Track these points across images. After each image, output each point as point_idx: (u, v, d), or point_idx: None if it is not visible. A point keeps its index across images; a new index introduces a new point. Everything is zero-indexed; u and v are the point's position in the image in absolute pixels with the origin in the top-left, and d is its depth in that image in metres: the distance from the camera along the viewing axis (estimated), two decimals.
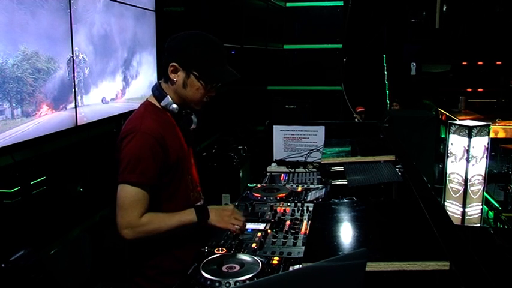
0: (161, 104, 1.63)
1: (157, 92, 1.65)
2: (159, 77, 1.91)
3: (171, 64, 1.59)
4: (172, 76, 1.60)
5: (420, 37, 8.52)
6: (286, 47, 5.67)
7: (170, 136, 1.61)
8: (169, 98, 1.62)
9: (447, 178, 4.30)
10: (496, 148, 5.36)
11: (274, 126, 2.94)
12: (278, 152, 2.91)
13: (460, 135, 4.13)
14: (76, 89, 2.43)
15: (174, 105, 1.62)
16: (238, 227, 1.59)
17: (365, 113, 5.77)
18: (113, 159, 1.61)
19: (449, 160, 4.27)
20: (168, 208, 1.59)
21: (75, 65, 2.40)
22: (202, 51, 1.58)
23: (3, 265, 1.75)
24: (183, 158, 1.66)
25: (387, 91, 7.07)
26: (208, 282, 1.33)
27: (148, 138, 1.52)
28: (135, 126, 1.56)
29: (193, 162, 1.76)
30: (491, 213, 4.71)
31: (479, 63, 8.77)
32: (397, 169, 2.02)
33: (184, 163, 1.67)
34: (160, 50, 3.14)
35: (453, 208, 4.25)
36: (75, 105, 2.43)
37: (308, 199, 2.12)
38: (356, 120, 5.20)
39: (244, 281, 1.32)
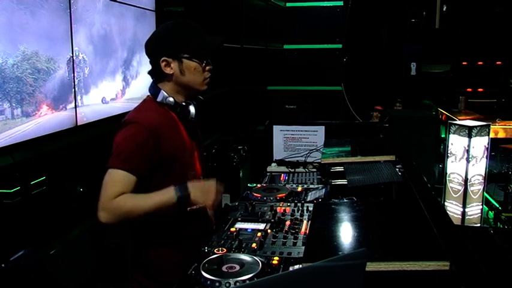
0: (157, 99, 1.63)
1: (152, 89, 1.67)
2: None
3: (162, 60, 1.60)
4: (168, 70, 1.62)
5: (420, 37, 8.51)
6: (286, 47, 5.68)
7: (169, 131, 1.61)
8: (164, 92, 1.63)
9: (447, 178, 4.30)
10: (496, 148, 5.34)
11: (274, 126, 2.94)
12: (278, 152, 2.91)
13: (460, 135, 4.12)
14: (76, 89, 2.43)
15: (170, 98, 1.63)
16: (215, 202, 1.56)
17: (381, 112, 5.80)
18: None
19: (449, 160, 4.27)
20: None
21: (75, 65, 2.40)
22: (180, 34, 1.62)
23: (3, 265, 1.75)
24: (183, 153, 1.66)
25: (387, 91, 7.08)
26: (208, 282, 1.33)
27: (140, 129, 1.53)
28: (132, 118, 1.58)
29: (197, 156, 1.75)
30: (491, 213, 4.71)
31: (479, 63, 8.75)
32: (397, 169, 2.01)
33: (186, 158, 1.67)
34: None
35: (453, 208, 4.25)
36: (75, 105, 2.43)
37: (308, 199, 2.12)
38: (374, 119, 5.20)
39: (244, 281, 1.32)
